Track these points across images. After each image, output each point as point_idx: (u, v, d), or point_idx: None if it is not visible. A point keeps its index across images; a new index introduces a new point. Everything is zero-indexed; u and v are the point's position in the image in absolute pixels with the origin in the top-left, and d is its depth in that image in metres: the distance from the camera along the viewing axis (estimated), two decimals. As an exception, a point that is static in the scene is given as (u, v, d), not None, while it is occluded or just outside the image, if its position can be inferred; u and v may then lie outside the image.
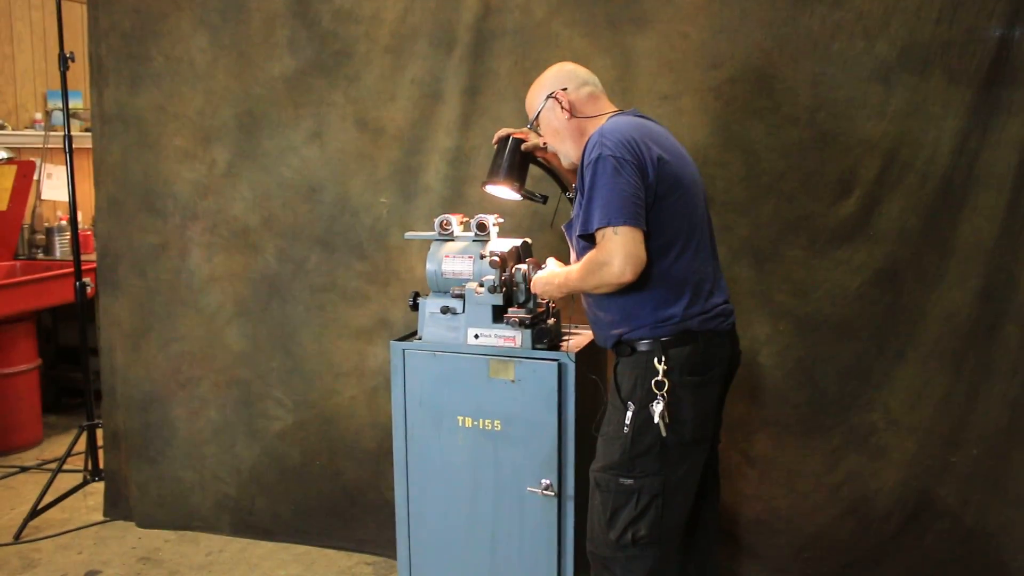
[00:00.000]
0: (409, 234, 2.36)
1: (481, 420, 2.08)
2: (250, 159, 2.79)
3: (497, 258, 2.06)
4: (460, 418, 2.10)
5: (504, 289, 2.08)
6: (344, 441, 2.81)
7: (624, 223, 1.67)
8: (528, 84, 2.49)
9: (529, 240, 2.27)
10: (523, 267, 2.09)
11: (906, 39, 2.24)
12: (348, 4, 2.64)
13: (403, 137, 2.64)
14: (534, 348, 2.06)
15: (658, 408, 1.72)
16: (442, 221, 2.23)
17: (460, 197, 2.60)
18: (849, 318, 2.35)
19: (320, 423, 2.82)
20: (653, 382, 1.74)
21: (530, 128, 1.95)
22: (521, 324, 2.05)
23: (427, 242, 2.34)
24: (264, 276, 2.80)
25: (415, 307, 2.21)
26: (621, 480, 1.76)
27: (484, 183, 2.20)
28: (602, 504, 1.80)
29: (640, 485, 1.76)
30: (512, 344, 2.07)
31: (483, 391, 2.07)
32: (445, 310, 2.14)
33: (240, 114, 2.78)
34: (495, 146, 2.15)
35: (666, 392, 1.72)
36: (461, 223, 2.26)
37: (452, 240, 2.22)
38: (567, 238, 1.93)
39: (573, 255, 1.92)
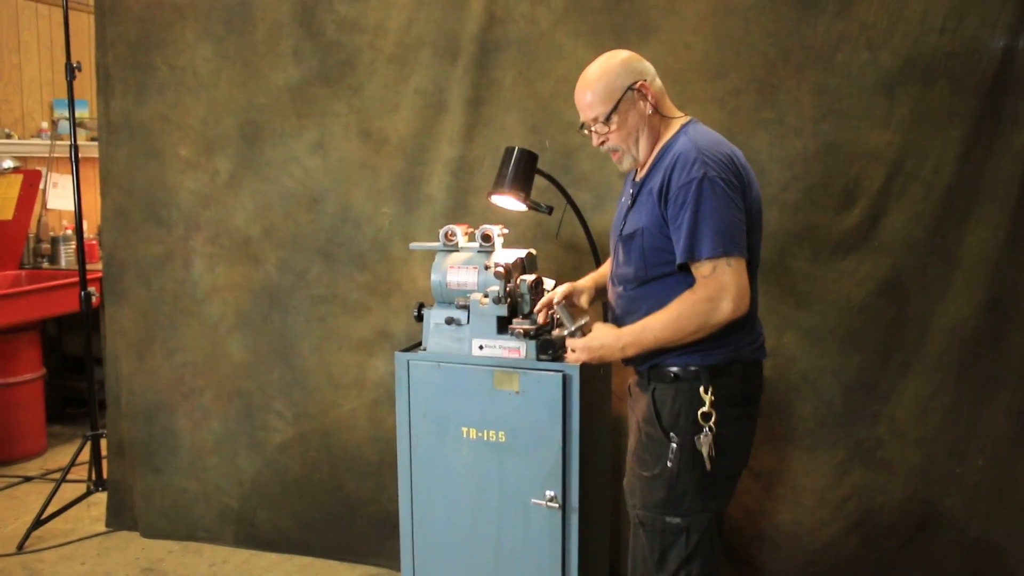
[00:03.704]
0: (415, 245, 2.34)
1: (485, 431, 2.06)
2: (252, 169, 2.77)
3: (502, 269, 2.04)
4: (464, 429, 2.08)
5: (509, 300, 2.06)
6: (345, 453, 2.78)
7: (739, 253, 1.56)
8: (533, 94, 2.46)
9: (534, 251, 2.24)
10: (528, 278, 2.07)
11: (910, 50, 2.23)
12: (353, 14, 2.63)
13: (406, 147, 2.62)
14: (539, 359, 2.04)
15: (706, 441, 1.62)
16: (447, 232, 2.22)
17: (463, 208, 2.58)
18: (854, 329, 2.32)
19: (321, 435, 2.80)
20: (700, 413, 1.63)
21: (583, 130, 1.73)
22: (526, 335, 2.04)
23: (430, 253, 2.33)
24: (265, 287, 2.78)
25: (420, 318, 2.19)
26: (668, 519, 1.67)
27: (489, 193, 2.19)
28: (648, 545, 1.70)
29: (688, 523, 1.66)
30: (517, 355, 2.05)
31: (487, 402, 2.05)
32: (450, 321, 2.12)
33: (243, 124, 2.76)
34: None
35: (713, 424, 1.62)
36: (466, 234, 2.25)
37: (457, 251, 2.21)
38: (613, 241, 1.78)
39: (612, 264, 1.79)
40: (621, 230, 1.74)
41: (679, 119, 1.73)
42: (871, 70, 2.25)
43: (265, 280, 2.79)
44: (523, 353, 2.05)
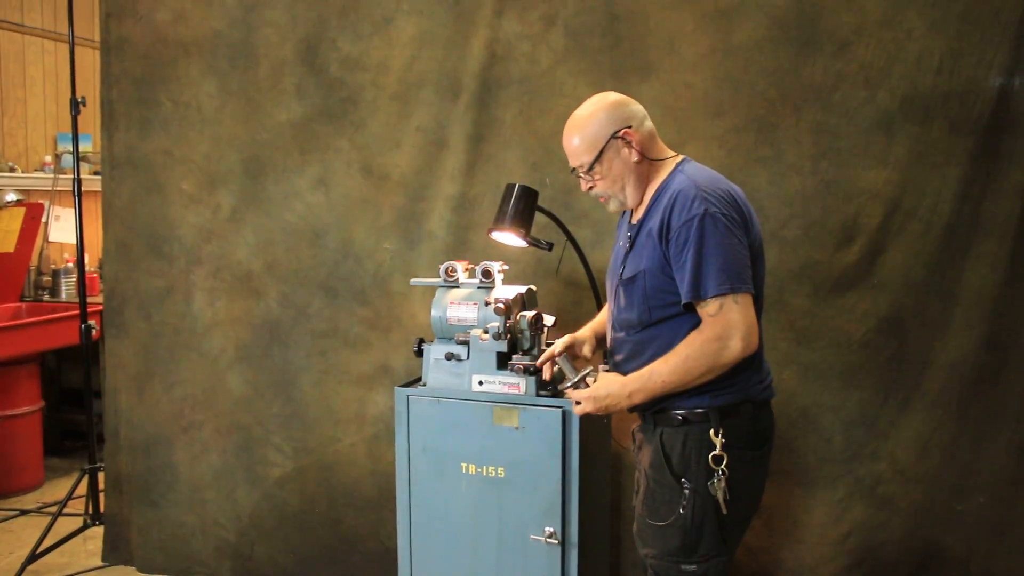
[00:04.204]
0: (415, 280, 2.34)
1: (485, 467, 2.06)
2: (255, 204, 2.78)
3: (502, 305, 2.04)
4: (464, 464, 2.09)
5: (509, 336, 2.05)
6: (344, 488, 2.76)
7: (746, 289, 1.53)
8: (534, 132, 2.46)
9: (534, 287, 2.24)
10: (528, 314, 2.07)
11: (907, 89, 2.24)
12: (356, 52, 2.65)
13: (408, 184, 2.63)
14: (538, 395, 2.03)
15: (720, 486, 1.58)
16: (447, 268, 2.23)
17: (463, 244, 2.59)
18: (854, 366, 2.32)
19: (320, 470, 2.77)
20: (711, 457, 1.59)
21: (574, 173, 1.72)
22: (525, 371, 2.03)
23: (430, 289, 2.34)
24: (266, 321, 2.78)
25: (420, 353, 2.19)
26: (684, 567, 1.63)
27: (490, 229, 2.20)
28: None
29: (704, 570, 1.62)
30: (516, 391, 2.06)
31: (487, 438, 2.05)
32: (450, 356, 2.12)
33: (246, 160, 2.77)
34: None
35: (725, 467, 1.58)
36: (466, 270, 2.25)
37: (457, 287, 2.21)
38: (611, 286, 1.76)
39: (612, 310, 1.76)
40: (621, 274, 1.71)
41: (671, 159, 1.70)
42: (869, 109, 2.27)
43: (266, 314, 2.78)
44: (523, 389, 2.05)
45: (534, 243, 2.20)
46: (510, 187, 2.18)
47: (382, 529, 2.70)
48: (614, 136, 1.65)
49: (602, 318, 1.95)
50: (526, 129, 2.49)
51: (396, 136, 2.64)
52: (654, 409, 1.66)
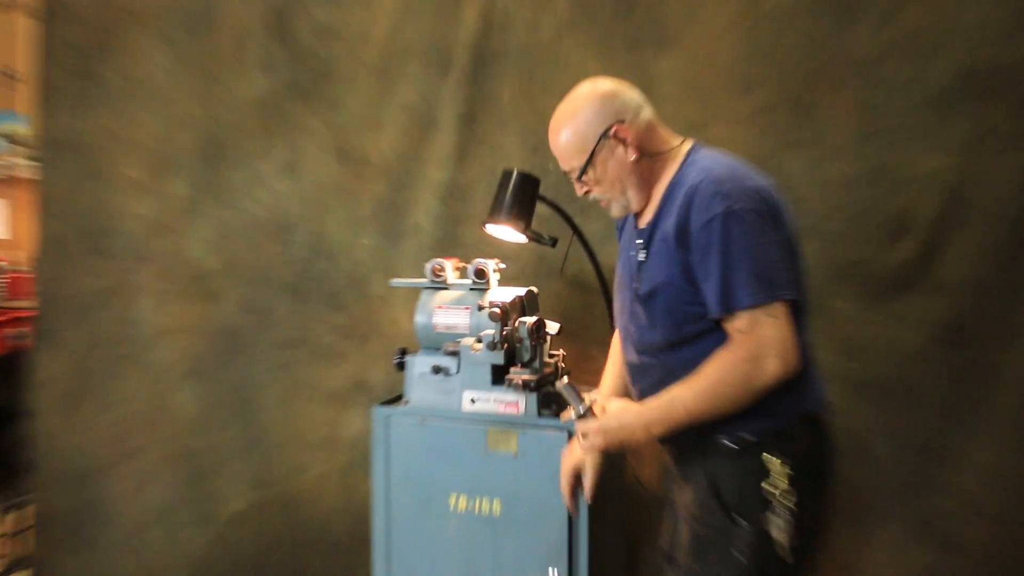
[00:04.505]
0: (395, 281, 2.32)
1: (477, 500, 2.05)
2: (212, 193, 2.73)
3: (498, 310, 2.03)
4: (453, 498, 2.07)
5: (506, 346, 2.04)
6: (311, 527, 2.72)
7: (783, 295, 1.50)
8: (535, 111, 2.40)
9: (535, 289, 2.22)
10: (528, 320, 2.06)
11: (966, 61, 2.22)
12: (330, 19, 2.62)
13: (390, 169, 2.60)
14: (540, 415, 2.03)
15: (782, 524, 1.53)
16: (434, 267, 2.22)
17: (454, 239, 2.56)
18: (909, 382, 2.29)
19: (283, 505, 2.74)
20: (775, 489, 1.54)
21: (576, 178, 1.69)
22: (525, 387, 2.03)
23: (414, 291, 2.31)
24: (223, 329, 2.73)
25: (401, 366, 2.18)
26: None
27: (484, 222, 2.18)
28: None
29: None
30: (515, 411, 2.05)
31: (480, 466, 2.04)
32: (437, 370, 2.12)
33: (203, 142, 2.72)
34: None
35: (787, 502, 1.53)
36: (456, 269, 2.25)
37: (446, 288, 2.21)
38: (624, 303, 1.72)
39: (629, 330, 1.71)
40: (636, 289, 1.67)
41: (679, 147, 1.67)
42: (921, 85, 2.25)
43: (223, 321, 2.73)
44: (522, 408, 2.04)
45: (535, 238, 2.19)
46: (507, 173, 2.17)
47: (356, 573, 2.63)
48: (604, 135, 1.62)
49: (618, 356, 1.90)
50: (526, 108, 2.45)
51: (377, 115, 2.60)
52: (696, 437, 1.58)
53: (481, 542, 2.03)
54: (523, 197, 2.13)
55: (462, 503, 2.06)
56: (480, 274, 2.17)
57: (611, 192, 1.67)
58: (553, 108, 2.34)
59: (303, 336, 2.69)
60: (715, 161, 1.60)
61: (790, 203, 1.67)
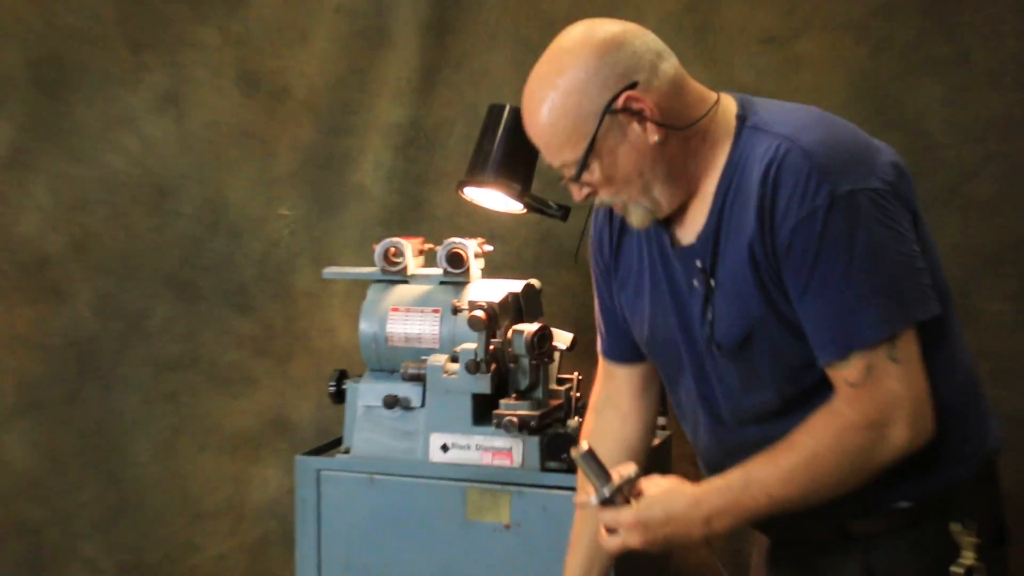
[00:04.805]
0: (330, 271, 2.38)
1: None
2: (52, 139, 2.78)
3: (482, 313, 2.06)
4: None
5: (494, 367, 2.08)
6: None
7: (913, 319, 1.52)
8: (536, 16, 2.48)
9: (537, 283, 2.26)
10: (527, 329, 2.09)
11: None
12: None
13: (320, 105, 2.67)
14: (545, 469, 2.07)
15: None
16: (388, 249, 2.26)
17: (417, 208, 2.62)
18: None
19: None
20: (960, 569, 1.57)
21: (572, 178, 1.63)
22: (523, 427, 2.06)
23: (360, 286, 2.35)
24: (73, 341, 2.79)
25: (340, 397, 2.24)
26: None
27: (462, 183, 2.23)
28: None
29: None
30: (507, 462, 2.10)
31: (456, 542, 2.09)
32: (392, 403, 2.17)
33: (36, 61, 2.76)
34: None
35: None
36: (420, 253, 2.29)
37: (405, 282, 2.26)
38: (686, 360, 1.71)
39: (704, 396, 1.73)
40: (711, 338, 1.66)
41: (719, 108, 1.64)
42: None
43: (73, 329, 2.79)
44: (518, 458, 2.09)
45: (536, 207, 2.22)
46: (496, 111, 2.21)
47: None
48: (609, 111, 1.57)
49: (632, 432, 1.91)
50: (523, 12, 2.52)
51: (299, 22, 2.63)
52: (846, 507, 1.61)
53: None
54: (519, 147, 2.08)
55: None
56: (455, 261, 2.20)
57: (627, 193, 1.63)
58: (563, 13, 2.38)
59: (194, 352, 2.73)
60: (795, 120, 1.59)
61: (922, 153, 1.69)
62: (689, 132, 1.60)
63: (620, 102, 1.55)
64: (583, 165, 1.58)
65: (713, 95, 1.64)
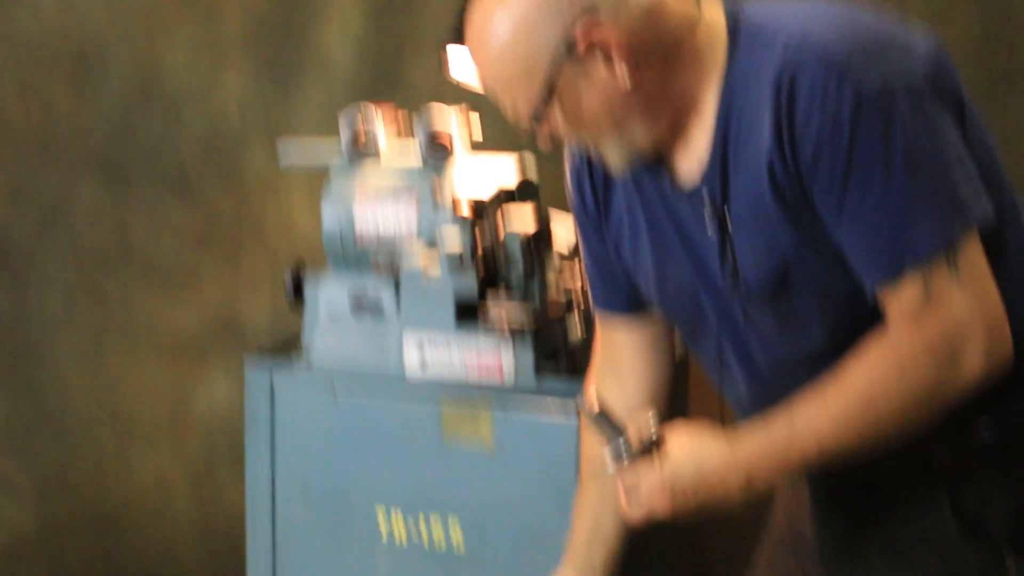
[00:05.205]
0: (286, 149, 2.34)
1: (424, 523, 2.07)
2: None
3: (468, 204, 2.06)
4: (382, 516, 2.09)
5: (481, 263, 2.07)
6: (144, 565, 2.78)
7: (972, 225, 1.44)
8: None
9: (532, 168, 2.24)
10: (521, 226, 2.08)
11: None
12: None
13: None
14: (539, 380, 2.04)
15: None
16: (355, 123, 2.21)
17: (392, 76, 2.58)
18: None
19: (93, 528, 2.80)
20: None
21: (531, 121, 1.61)
22: (514, 333, 2.04)
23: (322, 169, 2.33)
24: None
25: (297, 295, 2.20)
26: None
27: (445, 42, 2.16)
28: None
29: None
30: (494, 374, 2.07)
31: (430, 468, 2.05)
32: (359, 304, 2.14)
33: None
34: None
35: None
36: (393, 125, 2.25)
37: (376, 162, 2.22)
38: (703, 308, 1.67)
39: (743, 350, 1.69)
40: (734, 285, 1.60)
41: (706, 22, 1.57)
42: None
43: None
44: (508, 369, 2.06)
45: None
46: None
47: None
48: (568, 49, 1.50)
49: (648, 370, 1.85)
50: None
51: None
52: (928, 435, 1.54)
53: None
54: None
55: (398, 527, 2.06)
56: (436, 143, 2.16)
57: (598, 136, 1.58)
58: None
59: (124, 244, 2.72)
60: (799, 17, 1.52)
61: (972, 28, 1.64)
62: (667, 59, 1.54)
63: (577, 34, 1.48)
64: (539, 109, 1.51)
65: (694, 8, 1.57)
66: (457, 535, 2.05)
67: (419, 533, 2.07)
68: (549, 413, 2.01)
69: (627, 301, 1.74)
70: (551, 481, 1.98)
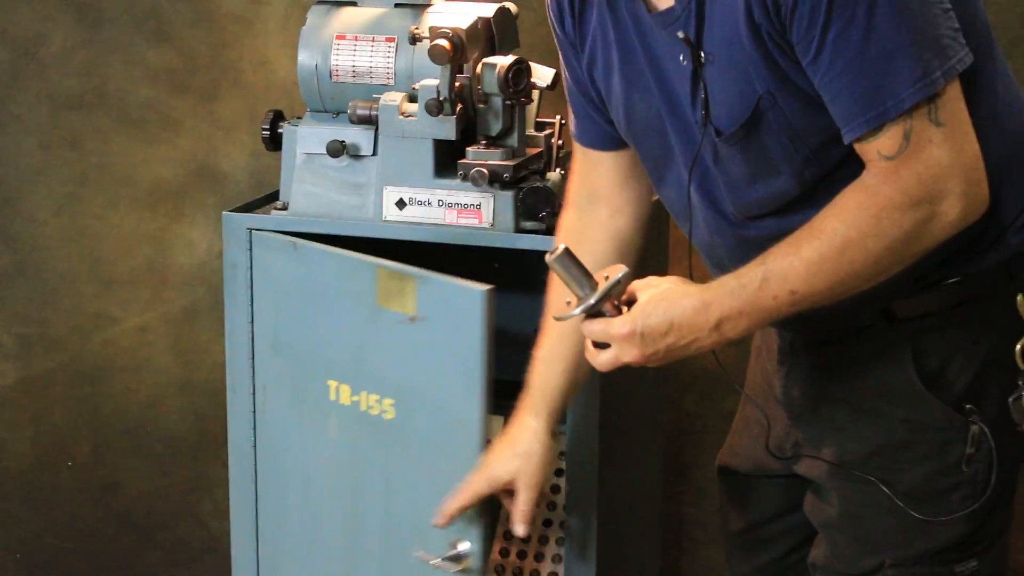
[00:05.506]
0: None
1: (364, 392, 2.02)
2: None
3: (446, 42, 1.98)
4: (333, 384, 2.06)
5: (460, 107, 2.04)
6: (125, 420, 2.81)
7: (955, 72, 1.43)
8: None
9: (512, 6, 2.20)
10: (500, 63, 2.03)
11: None
12: None
13: None
14: (520, 230, 2.05)
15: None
16: None
17: None
18: None
19: (73, 383, 2.82)
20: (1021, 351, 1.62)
21: None
22: (495, 179, 2.02)
23: (301, 7, 2.34)
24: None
25: (274, 142, 2.20)
26: (957, 569, 1.66)
27: None
28: None
29: (988, 562, 1.68)
30: (474, 220, 2.08)
31: (364, 335, 2.01)
32: (337, 150, 2.11)
33: None
34: None
35: None
36: None
37: (354, 3, 2.20)
38: (677, 156, 1.67)
39: (705, 195, 1.70)
40: (704, 120, 1.59)
41: None
42: None
43: None
44: (487, 217, 2.07)
45: None
46: None
47: (202, 501, 2.78)
48: None
49: (624, 225, 1.88)
50: None
51: None
52: (893, 284, 1.56)
53: (368, 455, 2.03)
54: None
55: (344, 394, 2.03)
56: None
57: None
58: None
59: (101, 88, 2.70)
60: None
61: None
62: None
63: None
64: None
65: None
66: (389, 405, 1.98)
67: (360, 400, 2.01)
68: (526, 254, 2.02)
69: (611, 136, 1.75)
70: (476, 341, 1.88)
